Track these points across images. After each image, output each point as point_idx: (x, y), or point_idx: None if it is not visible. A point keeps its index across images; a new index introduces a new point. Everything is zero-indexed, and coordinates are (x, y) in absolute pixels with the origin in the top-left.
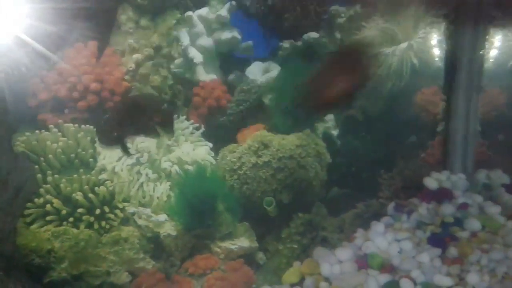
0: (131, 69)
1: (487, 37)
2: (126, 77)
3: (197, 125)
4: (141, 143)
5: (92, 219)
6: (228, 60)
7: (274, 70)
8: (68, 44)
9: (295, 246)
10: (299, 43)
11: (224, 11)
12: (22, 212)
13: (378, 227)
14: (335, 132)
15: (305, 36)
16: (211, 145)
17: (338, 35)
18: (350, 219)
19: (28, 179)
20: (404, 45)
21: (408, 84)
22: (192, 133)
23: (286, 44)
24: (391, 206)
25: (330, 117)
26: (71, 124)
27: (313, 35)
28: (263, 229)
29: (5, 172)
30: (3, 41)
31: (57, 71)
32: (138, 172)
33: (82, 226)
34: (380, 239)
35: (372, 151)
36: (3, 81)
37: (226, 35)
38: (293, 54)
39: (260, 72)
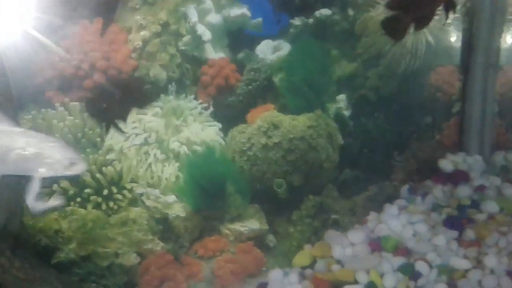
0: (138, 46)
1: (505, 13)
2: (133, 55)
3: (206, 105)
4: (149, 122)
5: (99, 199)
6: (237, 38)
7: (285, 48)
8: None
9: (306, 228)
10: (311, 20)
11: None
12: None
13: (391, 209)
14: (347, 113)
15: (317, 13)
16: (220, 125)
17: (351, 12)
18: (362, 202)
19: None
20: None
21: (423, 63)
22: (200, 113)
23: (297, 21)
24: (404, 189)
25: (342, 97)
26: (77, 103)
27: (325, 12)
28: (274, 211)
29: None
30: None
31: (63, 49)
32: (146, 153)
33: (89, 207)
34: (394, 221)
35: (385, 132)
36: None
37: (235, 11)
38: (304, 32)
39: (270, 51)
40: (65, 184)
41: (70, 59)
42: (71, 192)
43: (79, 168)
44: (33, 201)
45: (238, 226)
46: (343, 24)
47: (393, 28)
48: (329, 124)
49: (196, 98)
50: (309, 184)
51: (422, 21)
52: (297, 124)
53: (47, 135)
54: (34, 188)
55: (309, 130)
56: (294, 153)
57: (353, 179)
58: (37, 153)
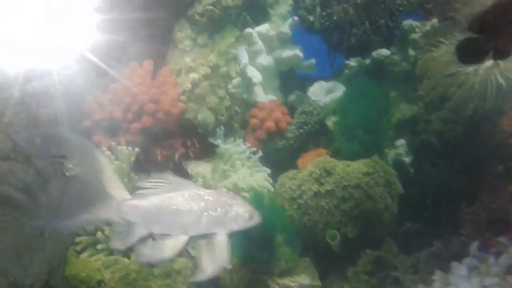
0: (187, 89)
1: None
2: (182, 97)
3: (255, 149)
4: (196, 167)
5: None
6: (289, 80)
7: (339, 90)
8: (126, 59)
9: (363, 286)
10: (367, 60)
11: (285, 28)
12: (73, 240)
13: (460, 269)
14: (407, 159)
15: (374, 53)
16: (269, 171)
17: (411, 52)
18: (426, 259)
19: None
20: (488, 63)
21: (493, 106)
22: (249, 157)
23: (352, 62)
24: (474, 246)
25: (401, 142)
26: (124, 147)
27: (384, 52)
28: (326, 266)
29: (57, 196)
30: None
31: (112, 91)
32: None
33: (133, 256)
34: (465, 284)
35: (450, 181)
36: (59, 100)
37: (287, 53)
38: (360, 73)
39: (323, 93)
40: (108, 231)
41: (119, 101)
42: None
43: (256, 219)
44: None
45: (287, 281)
46: (402, 65)
47: (469, 52)
48: (387, 171)
49: (244, 142)
50: (365, 237)
51: (504, 51)
52: (352, 170)
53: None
54: (226, 245)
55: (365, 177)
56: (348, 202)
57: (415, 233)
58: (225, 211)
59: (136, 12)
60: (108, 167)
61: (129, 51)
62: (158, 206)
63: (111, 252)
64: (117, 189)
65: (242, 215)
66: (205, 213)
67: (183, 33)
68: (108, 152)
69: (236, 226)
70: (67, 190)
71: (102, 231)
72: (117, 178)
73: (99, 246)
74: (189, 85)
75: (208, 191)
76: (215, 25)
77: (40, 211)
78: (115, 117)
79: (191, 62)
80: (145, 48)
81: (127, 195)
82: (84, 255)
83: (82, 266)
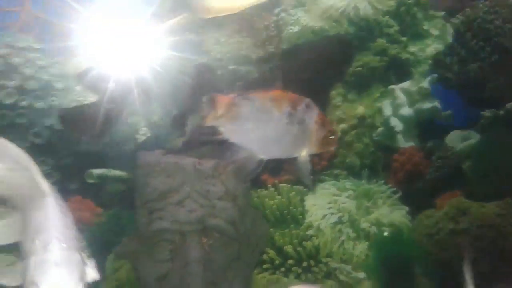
0: (337, 137)
1: None
2: None
3: (395, 189)
4: (343, 203)
5: (299, 270)
6: (427, 128)
7: (474, 138)
8: None
9: None
10: (501, 112)
11: (426, 83)
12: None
13: None
14: None
15: (508, 105)
16: (407, 209)
17: None
18: None
19: (264, 234)
20: None
21: None
22: (389, 196)
23: (487, 113)
24: None
25: None
26: (285, 184)
27: None
28: None
29: (248, 227)
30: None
31: None
32: (340, 231)
33: (291, 276)
34: None
35: None
36: None
37: (426, 105)
38: (495, 123)
39: (459, 140)
40: (272, 254)
41: None
42: (277, 262)
43: None
44: None
45: None
46: None
47: None
48: None
49: (386, 183)
50: (497, 272)
51: None
52: (485, 211)
53: None
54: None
55: (498, 218)
56: (483, 240)
57: None
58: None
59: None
60: None
61: None
62: None
63: (273, 271)
64: None
65: None
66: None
67: (336, 91)
68: (272, 189)
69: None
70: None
71: (267, 253)
72: None
73: (264, 266)
74: (339, 134)
75: None
76: (363, 83)
77: (239, 239)
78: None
79: (341, 114)
80: None
81: None
82: (254, 272)
83: (254, 282)
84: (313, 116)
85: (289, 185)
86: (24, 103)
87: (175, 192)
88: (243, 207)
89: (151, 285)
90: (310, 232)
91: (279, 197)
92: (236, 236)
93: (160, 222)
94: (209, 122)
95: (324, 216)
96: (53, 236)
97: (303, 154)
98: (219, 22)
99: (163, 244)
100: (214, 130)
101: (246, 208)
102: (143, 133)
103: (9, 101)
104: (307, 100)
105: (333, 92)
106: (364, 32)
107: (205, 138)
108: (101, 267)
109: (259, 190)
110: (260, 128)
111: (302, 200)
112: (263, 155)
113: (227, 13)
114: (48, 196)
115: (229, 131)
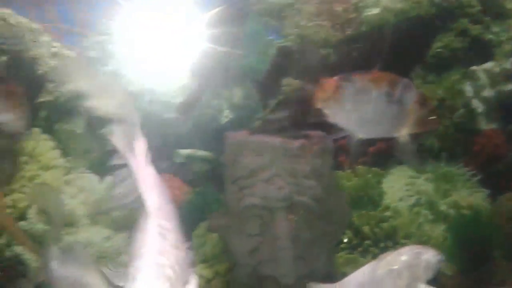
0: None
1: None
2: None
3: (474, 172)
4: (421, 185)
5: (376, 251)
6: (509, 111)
7: None
8: None
9: None
10: None
11: (509, 64)
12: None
13: None
14: None
15: None
16: (487, 192)
17: None
18: None
19: (346, 214)
20: None
21: None
22: (468, 179)
23: None
24: None
25: None
26: (362, 166)
27: None
28: None
29: (332, 206)
30: None
31: None
32: (418, 213)
33: (369, 257)
34: None
35: None
36: None
37: (509, 87)
38: None
39: None
40: (349, 234)
41: None
42: (354, 242)
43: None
44: None
45: None
46: None
47: None
48: None
49: (465, 165)
50: None
51: None
52: None
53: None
54: None
55: None
56: None
57: None
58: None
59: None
60: None
61: None
62: None
63: (350, 251)
64: None
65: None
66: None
67: (416, 73)
68: (349, 170)
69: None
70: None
71: (344, 233)
72: None
73: (342, 246)
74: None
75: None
76: (444, 64)
77: (324, 217)
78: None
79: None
80: None
81: None
82: None
83: None
84: (412, 96)
85: (366, 167)
86: None
87: (264, 170)
88: (328, 186)
89: (245, 257)
90: (387, 213)
91: (356, 178)
92: (321, 213)
93: (251, 198)
94: (318, 104)
95: (401, 198)
96: (144, 267)
97: (403, 133)
98: (298, 6)
99: (253, 219)
100: (319, 112)
101: (331, 187)
102: (226, 115)
103: None
104: (406, 80)
105: (413, 74)
106: (445, 12)
107: (312, 120)
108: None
109: (336, 171)
110: (360, 109)
111: (379, 182)
112: (363, 135)
113: None
114: (150, 217)
115: (333, 112)
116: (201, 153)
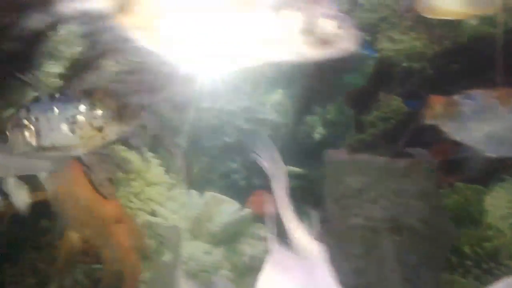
0: None
1: None
2: None
3: None
4: None
5: (478, 272)
6: None
7: None
8: None
9: None
10: None
11: None
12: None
13: None
14: None
15: None
16: None
17: None
18: None
19: (451, 234)
20: None
21: None
22: None
23: None
24: None
25: None
26: (461, 183)
27: None
28: None
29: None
30: None
31: None
32: None
33: (470, 278)
34: None
35: None
36: None
37: None
38: None
39: None
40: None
41: None
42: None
43: None
44: None
45: None
46: None
47: None
48: None
49: None
50: None
51: None
52: None
53: None
54: None
55: None
56: None
57: None
58: None
59: None
60: None
61: None
62: None
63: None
64: None
65: None
66: None
67: None
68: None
69: None
70: None
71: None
72: None
73: None
74: None
75: None
76: None
77: (430, 238)
78: None
79: None
80: None
81: None
82: None
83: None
84: None
85: (465, 184)
86: (217, 105)
87: (369, 189)
88: (434, 207)
89: (349, 277)
90: (490, 232)
91: (455, 195)
92: (427, 235)
93: (355, 218)
94: (427, 121)
95: (503, 217)
96: None
97: None
98: (392, 20)
99: (358, 239)
100: (434, 129)
101: (437, 208)
102: (319, 131)
103: (205, 104)
104: None
105: None
106: None
107: (427, 137)
108: None
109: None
110: (486, 126)
111: (480, 200)
112: (491, 153)
113: (452, 17)
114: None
115: (451, 129)
116: (293, 169)
